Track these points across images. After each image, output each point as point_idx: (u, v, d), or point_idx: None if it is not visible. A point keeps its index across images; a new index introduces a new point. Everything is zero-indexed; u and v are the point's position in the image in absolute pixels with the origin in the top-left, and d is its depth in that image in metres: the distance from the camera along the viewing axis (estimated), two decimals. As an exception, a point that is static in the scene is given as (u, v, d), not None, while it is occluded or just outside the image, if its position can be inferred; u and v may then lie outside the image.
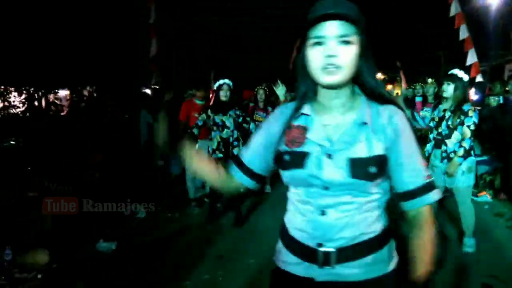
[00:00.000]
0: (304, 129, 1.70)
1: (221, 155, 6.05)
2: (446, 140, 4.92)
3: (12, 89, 13.07)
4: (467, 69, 13.79)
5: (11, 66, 11.74)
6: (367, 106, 1.69)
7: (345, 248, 1.65)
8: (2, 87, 12.83)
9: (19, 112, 12.14)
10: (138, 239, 5.63)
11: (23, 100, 13.11)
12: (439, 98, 5.25)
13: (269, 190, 7.78)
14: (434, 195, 1.70)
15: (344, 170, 1.60)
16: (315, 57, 1.59)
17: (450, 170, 4.84)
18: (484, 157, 7.61)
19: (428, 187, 1.69)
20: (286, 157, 1.70)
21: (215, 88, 6.20)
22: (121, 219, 6.03)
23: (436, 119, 5.06)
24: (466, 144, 4.80)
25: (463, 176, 4.86)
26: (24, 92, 13.45)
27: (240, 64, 21.13)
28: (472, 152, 4.88)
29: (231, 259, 4.95)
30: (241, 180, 1.88)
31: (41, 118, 11.01)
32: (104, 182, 6.41)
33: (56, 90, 14.66)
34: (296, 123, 1.73)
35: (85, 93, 15.25)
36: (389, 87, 27.19)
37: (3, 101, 12.42)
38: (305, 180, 1.66)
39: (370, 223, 1.67)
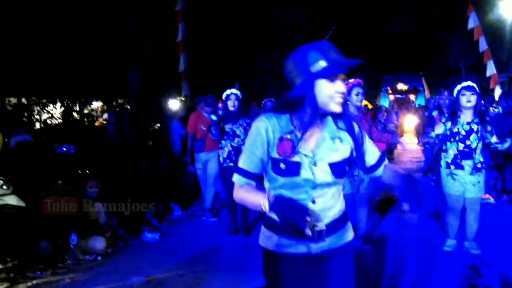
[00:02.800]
0: (293, 142, 2.14)
1: (232, 164, 6.20)
2: (474, 152, 5.18)
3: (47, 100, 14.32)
4: (486, 81, 14.46)
5: (50, 80, 12.96)
6: (332, 122, 2.25)
7: (330, 224, 2.18)
8: (44, 100, 14.11)
9: (59, 123, 13.30)
10: (177, 232, 6.63)
11: (61, 112, 14.36)
12: (454, 110, 5.39)
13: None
14: (385, 158, 2.42)
15: (329, 174, 2.17)
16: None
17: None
18: (490, 163, 8.42)
19: (382, 156, 2.39)
20: (282, 165, 2.14)
21: (223, 98, 6.38)
22: (163, 216, 7.14)
23: (463, 132, 5.22)
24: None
25: (481, 186, 5.25)
26: (64, 103, 14.71)
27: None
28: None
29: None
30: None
31: (84, 128, 12.13)
32: (150, 185, 7.47)
33: (91, 102, 15.93)
34: (285, 136, 2.15)
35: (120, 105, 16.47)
36: (412, 97, 27.64)
37: (45, 112, 13.66)
38: (299, 183, 2.16)
39: (340, 204, 2.30)
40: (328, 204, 2.21)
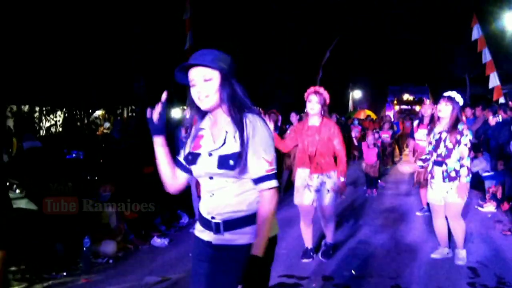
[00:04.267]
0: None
1: None
2: (446, 161, 5.23)
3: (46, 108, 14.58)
4: (490, 92, 14.63)
5: (53, 87, 13.25)
6: (228, 121, 2.46)
7: (228, 221, 2.44)
8: (49, 107, 14.41)
9: (62, 131, 13.58)
10: (185, 238, 6.87)
11: (63, 119, 14.65)
12: (433, 121, 5.60)
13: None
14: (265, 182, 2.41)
15: (216, 165, 2.41)
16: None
17: (461, 194, 5.17)
18: (492, 173, 8.73)
19: (263, 178, 2.40)
20: (189, 157, 2.54)
21: None
22: (170, 223, 7.39)
23: (434, 142, 5.38)
24: (467, 163, 5.19)
25: (455, 193, 5.23)
26: (67, 111, 15.01)
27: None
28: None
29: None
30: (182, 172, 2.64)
31: (87, 135, 12.41)
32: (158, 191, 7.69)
33: (94, 111, 16.25)
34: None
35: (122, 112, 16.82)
36: (417, 108, 27.91)
37: (47, 120, 13.96)
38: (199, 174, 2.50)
39: (243, 205, 2.45)
40: (226, 201, 2.44)
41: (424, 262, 5.52)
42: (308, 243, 5.68)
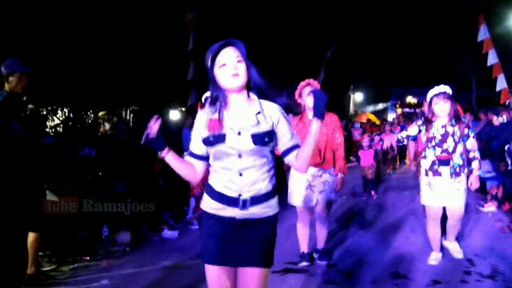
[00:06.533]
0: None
1: None
2: (452, 156, 5.31)
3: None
4: (497, 95, 14.79)
5: (57, 87, 13.84)
6: (253, 101, 2.85)
7: (255, 197, 2.78)
8: (55, 106, 15.06)
9: (67, 129, 14.17)
10: (193, 231, 7.46)
11: (64, 119, 15.29)
12: (425, 117, 5.58)
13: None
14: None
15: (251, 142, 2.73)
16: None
17: (474, 185, 5.39)
18: (494, 173, 9.12)
19: (296, 146, 2.88)
20: (211, 139, 2.78)
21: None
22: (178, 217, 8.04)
23: (439, 137, 5.36)
24: (478, 155, 5.36)
25: (461, 194, 5.39)
26: (71, 111, 15.66)
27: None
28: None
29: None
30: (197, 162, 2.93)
31: (90, 135, 12.97)
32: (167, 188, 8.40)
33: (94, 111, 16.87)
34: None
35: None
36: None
37: (51, 120, 14.57)
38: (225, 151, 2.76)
39: (267, 180, 2.82)
40: (254, 178, 2.78)
41: (422, 253, 5.98)
42: (305, 247, 5.71)
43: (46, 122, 13.36)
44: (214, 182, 2.85)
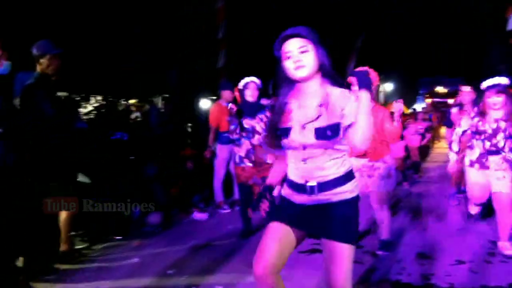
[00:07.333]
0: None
1: (250, 163, 5.87)
2: (502, 151, 5.22)
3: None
4: None
5: (90, 76, 14.20)
6: (320, 92, 2.79)
7: (323, 182, 2.78)
8: (84, 94, 15.45)
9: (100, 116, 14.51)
10: (222, 214, 7.62)
11: (97, 106, 15.64)
12: (480, 109, 5.37)
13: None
14: None
15: (313, 136, 2.72)
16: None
17: None
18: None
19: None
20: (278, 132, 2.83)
21: (241, 87, 5.95)
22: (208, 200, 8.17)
23: (490, 130, 5.24)
24: None
25: (507, 182, 5.22)
26: (102, 99, 16.03)
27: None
28: None
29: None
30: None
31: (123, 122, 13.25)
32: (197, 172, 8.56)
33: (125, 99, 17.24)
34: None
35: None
36: (450, 101, 27.97)
37: (84, 107, 14.92)
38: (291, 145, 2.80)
39: (335, 167, 2.78)
40: (318, 165, 2.77)
41: (449, 237, 6.08)
42: None
43: (78, 107, 13.65)
44: (288, 169, 2.95)
